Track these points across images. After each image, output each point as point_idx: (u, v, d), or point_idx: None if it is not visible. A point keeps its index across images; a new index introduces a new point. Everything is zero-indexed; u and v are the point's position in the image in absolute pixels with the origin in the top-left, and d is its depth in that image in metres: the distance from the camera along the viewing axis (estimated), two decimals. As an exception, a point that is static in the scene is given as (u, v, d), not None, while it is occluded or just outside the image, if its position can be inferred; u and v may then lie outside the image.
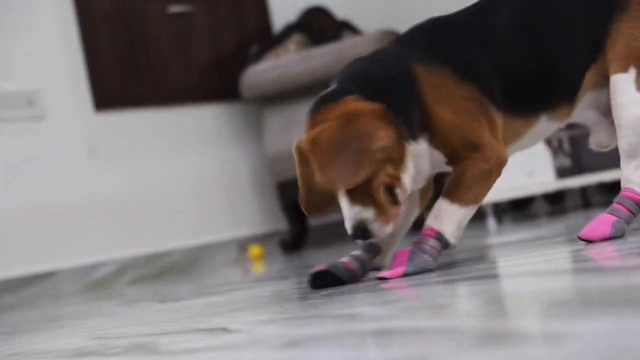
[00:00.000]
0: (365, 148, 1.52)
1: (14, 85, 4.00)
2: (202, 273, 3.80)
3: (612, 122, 1.69)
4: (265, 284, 2.25)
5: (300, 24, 4.63)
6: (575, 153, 3.54)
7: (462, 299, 1.15)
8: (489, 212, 3.58)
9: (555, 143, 3.51)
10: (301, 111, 4.30)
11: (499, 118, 1.64)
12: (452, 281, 1.42)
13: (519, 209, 4.57)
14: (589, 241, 1.64)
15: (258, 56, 4.49)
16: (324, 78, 4.17)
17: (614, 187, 4.64)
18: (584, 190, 3.96)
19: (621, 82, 1.62)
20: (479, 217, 4.37)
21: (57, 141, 4.06)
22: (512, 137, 1.69)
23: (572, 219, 2.91)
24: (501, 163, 1.63)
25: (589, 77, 1.67)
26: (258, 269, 3.35)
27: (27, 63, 4.02)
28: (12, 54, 4.00)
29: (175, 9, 4.45)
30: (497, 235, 2.77)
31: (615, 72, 1.63)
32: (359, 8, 4.98)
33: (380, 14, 5.03)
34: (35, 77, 4.03)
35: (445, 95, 1.61)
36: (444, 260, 1.97)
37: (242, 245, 4.46)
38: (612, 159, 3.62)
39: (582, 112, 1.71)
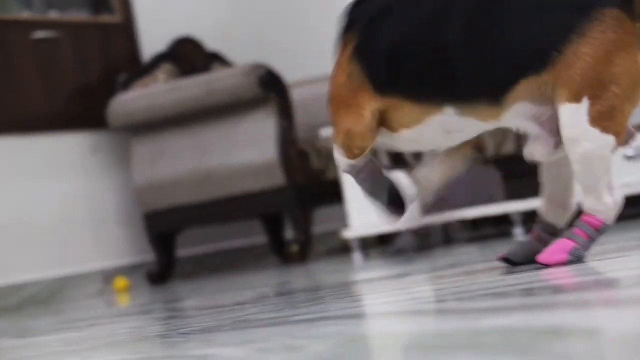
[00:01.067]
0: None
1: None
2: (65, 305, 3.69)
3: (554, 142, 1.65)
4: (127, 319, 2.20)
5: (169, 53, 4.60)
6: (441, 189, 3.61)
7: (315, 341, 1.15)
8: (355, 246, 3.60)
9: (420, 179, 3.57)
10: (169, 142, 4.26)
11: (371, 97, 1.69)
12: (310, 320, 1.41)
13: (385, 244, 4.63)
14: (546, 265, 1.65)
15: (126, 85, 4.43)
16: (193, 109, 4.14)
17: (475, 224, 4.75)
18: (445, 227, 4.04)
19: (573, 114, 1.57)
20: (346, 251, 4.40)
21: None
22: (408, 122, 1.70)
23: (435, 255, 2.96)
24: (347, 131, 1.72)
25: (525, 86, 1.60)
26: (123, 301, 3.28)
27: None
28: None
29: (40, 34, 4.35)
30: (363, 270, 2.79)
31: (567, 101, 1.57)
32: (230, 40, 4.98)
33: (250, 46, 5.03)
34: None
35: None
36: (307, 297, 1.97)
37: (107, 276, 4.37)
38: (474, 196, 3.71)
39: (518, 120, 1.64)
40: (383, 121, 1.73)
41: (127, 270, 4.44)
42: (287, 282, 2.67)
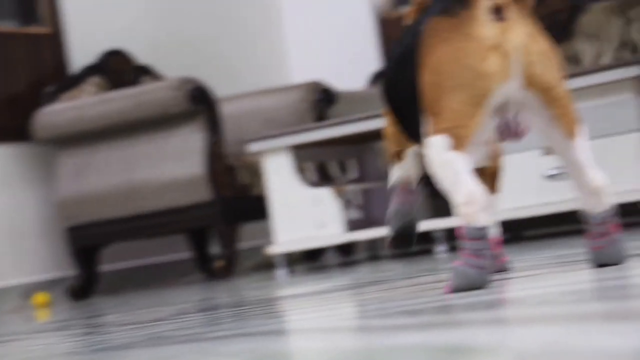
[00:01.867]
0: None
1: None
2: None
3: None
4: (44, 335, 2.16)
5: (98, 66, 4.55)
6: (366, 206, 3.63)
7: (228, 358, 1.14)
8: (280, 262, 3.59)
9: (347, 196, 3.58)
10: (96, 155, 4.21)
11: None
12: (226, 337, 1.40)
13: (311, 260, 4.63)
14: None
15: (53, 97, 4.37)
16: (121, 122, 4.10)
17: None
18: (372, 243, 4.06)
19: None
20: (271, 267, 4.39)
21: None
22: None
23: (360, 271, 2.96)
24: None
25: None
26: (42, 317, 3.22)
27: None
28: None
29: (-35, 43, 4.27)
30: (287, 286, 2.78)
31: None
32: (160, 53, 4.95)
33: (181, 61, 5.01)
34: None
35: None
36: (228, 313, 1.96)
37: (27, 292, 4.28)
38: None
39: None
40: None
41: (48, 286, 4.36)
42: (211, 298, 2.65)
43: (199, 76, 4.78)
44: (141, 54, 4.83)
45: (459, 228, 1.61)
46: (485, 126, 1.60)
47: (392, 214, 1.92)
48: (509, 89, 1.60)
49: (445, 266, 2.51)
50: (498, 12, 1.62)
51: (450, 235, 3.49)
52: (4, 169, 4.31)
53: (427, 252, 3.63)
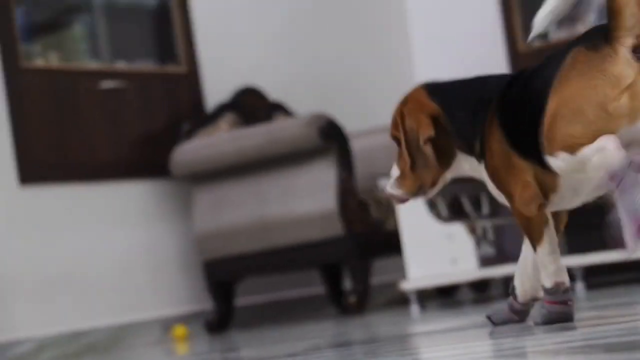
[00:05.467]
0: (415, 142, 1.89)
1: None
2: (124, 353, 3.72)
3: None
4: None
5: (233, 103, 4.65)
6: (499, 242, 3.58)
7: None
8: (413, 298, 3.58)
9: (479, 232, 3.55)
10: (231, 191, 4.30)
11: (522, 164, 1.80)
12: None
13: (444, 296, 4.59)
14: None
15: (189, 134, 4.49)
16: (254, 158, 4.18)
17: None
18: (506, 279, 4.00)
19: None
20: (403, 303, 4.37)
21: (-20, 214, 3.98)
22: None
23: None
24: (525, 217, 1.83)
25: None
26: (181, 350, 3.30)
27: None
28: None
29: (107, 84, 4.44)
30: (420, 322, 2.77)
31: None
32: (292, 90, 5.03)
33: (312, 97, 5.08)
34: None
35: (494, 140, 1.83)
36: (361, 350, 1.96)
37: (167, 325, 4.39)
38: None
39: None
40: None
41: (186, 319, 4.46)
42: (343, 334, 2.66)
43: (330, 111, 4.83)
44: (273, 91, 4.92)
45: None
46: None
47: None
48: (636, 131, 1.59)
49: (584, 304, 2.45)
50: (638, 51, 1.60)
51: (589, 272, 3.40)
52: (143, 204, 4.44)
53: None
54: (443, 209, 3.64)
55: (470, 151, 1.88)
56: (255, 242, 4.18)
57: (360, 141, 4.62)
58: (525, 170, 1.78)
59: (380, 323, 3.01)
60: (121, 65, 4.57)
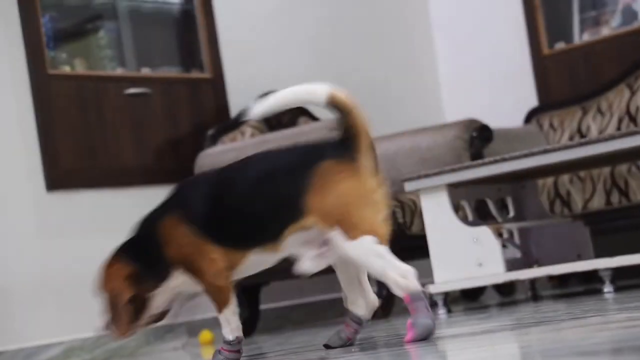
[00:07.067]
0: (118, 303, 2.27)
1: (-34, 163, 3.96)
2: (150, 358, 3.74)
3: (320, 254, 2.22)
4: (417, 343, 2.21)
5: (257, 108, 4.67)
6: (525, 245, 3.57)
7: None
8: (439, 302, 3.58)
9: (505, 235, 3.54)
10: (255, 195, 4.31)
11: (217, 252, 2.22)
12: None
13: (470, 299, 4.58)
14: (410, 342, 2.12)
15: (214, 139, 4.51)
16: (279, 163, 4.18)
17: (563, 279, 4.67)
18: (532, 282, 3.98)
19: (337, 238, 2.14)
20: (431, 306, 4.36)
21: (7, 220, 4.01)
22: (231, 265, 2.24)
23: (521, 311, 2.92)
24: (218, 288, 2.26)
25: (292, 228, 2.18)
26: (207, 355, 3.31)
27: (-20, 140, 4.01)
28: (-34, 131, 3.98)
29: (132, 90, 4.47)
30: (446, 326, 2.77)
31: (328, 230, 2.15)
32: (316, 95, 5.03)
33: (337, 101, 5.08)
34: (-12, 154, 4.01)
35: (177, 239, 2.25)
36: (390, 353, 1.96)
37: (193, 329, 4.41)
38: (561, 252, 3.65)
39: (293, 248, 2.22)
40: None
41: (212, 323, 4.48)
42: (370, 338, 2.66)
43: (355, 116, 4.84)
44: (298, 96, 4.93)
45: (405, 295, 2.14)
46: None
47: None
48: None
49: (612, 306, 2.45)
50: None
51: (618, 275, 3.39)
52: (169, 210, 4.46)
53: (591, 292, 3.54)
54: (469, 213, 3.63)
55: (162, 280, 2.28)
56: (281, 246, 4.18)
57: (384, 145, 4.62)
58: (214, 252, 2.21)
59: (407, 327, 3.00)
60: (146, 71, 4.60)
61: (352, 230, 2.14)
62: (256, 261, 2.25)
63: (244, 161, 2.29)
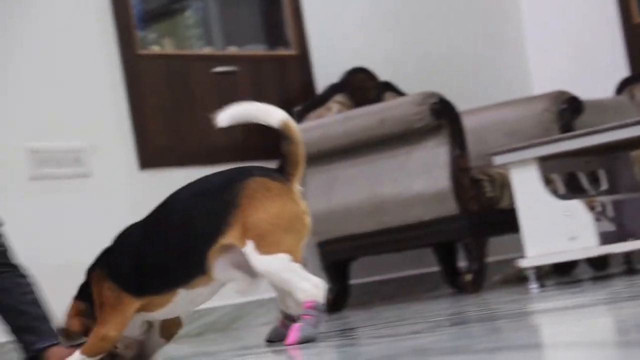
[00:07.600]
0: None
1: (62, 143, 4.06)
2: (244, 332, 3.80)
3: (250, 275, 2.31)
4: (300, 346, 2.25)
5: (342, 84, 4.67)
6: (619, 218, 3.51)
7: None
8: (531, 276, 3.54)
9: (598, 208, 3.48)
10: (342, 171, 4.32)
11: (133, 301, 2.31)
12: (491, 350, 1.41)
13: (562, 273, 4.53)
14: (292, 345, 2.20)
15: (300, 116, 4.53)
16: (365, 138, 4.19)
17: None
18: (627, 256, 3.92)
19: (249, 253, 2.23)
20: (519, 281, 4.33)
21: (102, 198, 4.10)
22: (156, 308, 2.35)
23: (615, 285, 2.87)
24: (105, 337, 2.34)
25: (214, 252, 2.27)
26: (297, 329, 3.33)
27: (74, 122, 4.09)
28: (61, 113, 4.08)
29: (220, 68, 4.51)
30: (539, 300, 2.74)
31: (243, 247, 2.25)
32: (402, 70, 5.02)
33: (421, 76, 5.05)
34: (82, 135, 4.10)
35: (101, 290, 2.36)
36: (484, 327, 1.96)
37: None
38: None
39: (224, 274, 2.32)
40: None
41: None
42: (462, 312, 2.65)
43: (440, 90, 4.81)
44: (383, 71, 4.92)
45: (306, 302, 2.25)
46: None
47: None
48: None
49: None
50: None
51: None
52: (258, 187, 4.50)
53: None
54: (560, 186, 3.59)
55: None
56: (369, 222, 4.20)
57: (471, 119, 4.58)
58: (132, 305, 2.31)
59: (498, 301, 2.99)
60: (233, 49, 4.64)
61: (269, 246, 2.24)
62: (189, 298, 2.34)
63: (172, 196, 2.43)
